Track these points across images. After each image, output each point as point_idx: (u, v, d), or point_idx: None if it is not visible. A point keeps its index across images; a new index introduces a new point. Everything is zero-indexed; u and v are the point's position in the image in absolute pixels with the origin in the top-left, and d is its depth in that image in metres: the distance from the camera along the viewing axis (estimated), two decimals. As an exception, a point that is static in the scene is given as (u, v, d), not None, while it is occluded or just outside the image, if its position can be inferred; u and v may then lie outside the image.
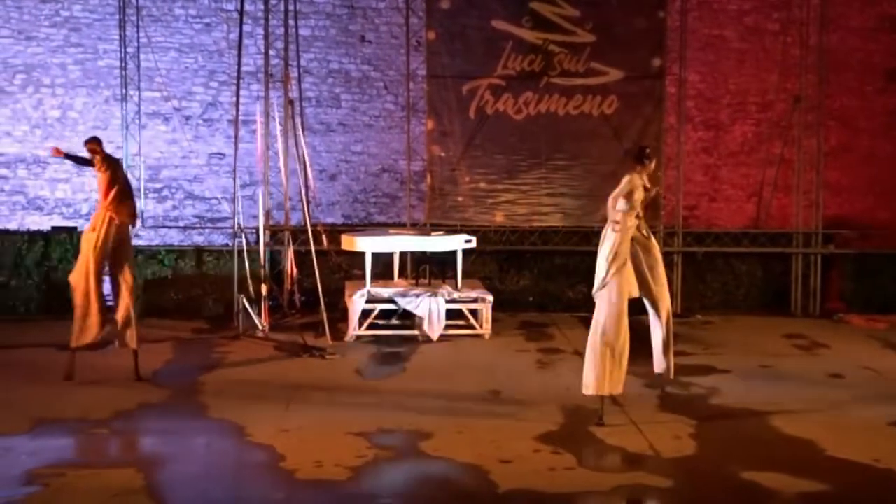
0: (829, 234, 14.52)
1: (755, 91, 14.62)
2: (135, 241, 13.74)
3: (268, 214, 12.97)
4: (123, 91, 13.76)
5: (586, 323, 13.05)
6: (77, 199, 14.13)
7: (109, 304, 10.00)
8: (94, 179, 14.07)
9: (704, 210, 14.71)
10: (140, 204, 13.80)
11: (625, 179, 8.95)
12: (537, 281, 14.28)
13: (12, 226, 13.78)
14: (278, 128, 12.86)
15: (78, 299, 9.73)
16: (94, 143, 10.08)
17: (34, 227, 13.69)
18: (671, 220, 14.26)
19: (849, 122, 14.78)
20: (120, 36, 13.71)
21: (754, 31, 14.55)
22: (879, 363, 11.09)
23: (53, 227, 13.65)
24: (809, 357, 11.59)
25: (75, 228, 13.62)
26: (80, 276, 9.73)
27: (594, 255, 13.91)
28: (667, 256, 14.11)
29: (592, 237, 13.99)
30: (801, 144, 14.42)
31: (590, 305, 13.83)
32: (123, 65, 13.72)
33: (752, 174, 14.66)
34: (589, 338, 8.75)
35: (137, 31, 13.71)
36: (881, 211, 14.81)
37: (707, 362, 10.98)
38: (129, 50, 13.71)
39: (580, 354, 11.21)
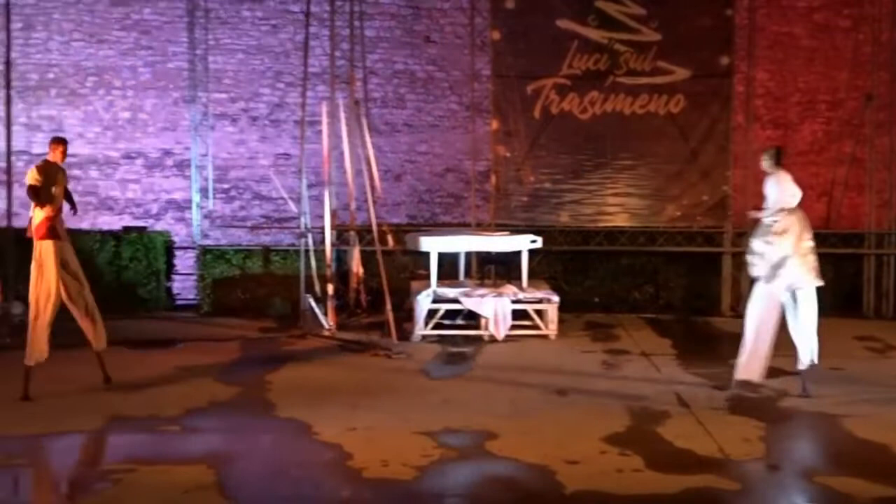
0: (902, 233, 14.26)
1: (825, 89, 14.39)
2: (204, 241, 14.02)
3: (334, 214, 13.03)
4: (192, 93, 13.94)
5: (653, 324, 13.16)
6: (147, 200, 14.35)
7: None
8: (164, 180, 14.41)
9: (773, 210, 14.48)
10: (209, 204, 14.08)
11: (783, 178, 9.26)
12: (603, 282, 14.19)
13: (84, 226, 14.00)
14: (344, 128, 12.93)
15: (52, 315, 9.39)
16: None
17: (105, 227, 13.92)
18: (740, 221, 14.06)
19: (923, 121, 14.47)
20: (189, 38, 13.92)
21: (824, 28, 14.32)
22: (955, 366, 10.87)
23: (124, 227, 13.86)
24: (882, 360, 11.39)
25: (145, 228, 13.85)
26: (56, 289, 9.36)
27: (660, 255, 14.05)
28: (736, 257, 14.05)
29: (658, 237, 14.02)
30: (872, 143, 14.17)
31: (656, 306, 13.88)
32: (192, 67, 13.92)
33: (822, 173, 14.42)
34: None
35: (206, 34, 13.90)
36: (956, 210, 14.49)
37: (776, 364, 10.79)
38: (197, 52, 13.91)
39: (646, 356, 11.24)
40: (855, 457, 7.70)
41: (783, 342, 12.06)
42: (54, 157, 9.50)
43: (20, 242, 12.13)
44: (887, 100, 14.09)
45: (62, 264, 9.26)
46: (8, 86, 12.38)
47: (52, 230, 9.19)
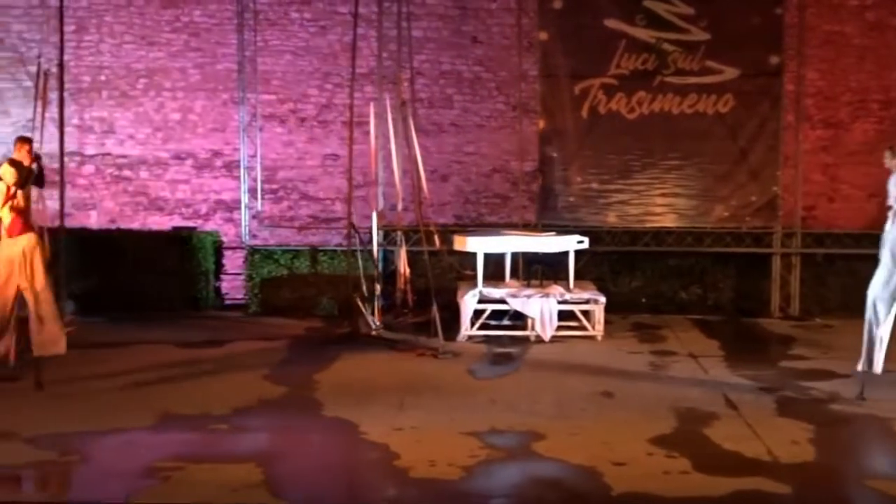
0: (956, 235, 14.04)
1: (877, 88, 14.21)
2: (252, 241, 14.13)
3: (381, 215, 13.09)
4: (241, 94, 14.06)
5: (700, 326, 13.07)
6: (196, 200, 14.47)
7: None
8: (213, 181, 14.52)
9: (823, 210, 14.35)
10: (257, 205, 14.20)
11: None
12: (650, 282, 14.12)
13: (135, 225, 14.19)
14: (391, 129, 12.97)
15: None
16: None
17: (155, 227, 14.07)
18: (789, 221, 13.97)
19: (978, 119, 14.27)
20: (238, 40, 14.01)
21: (876, 27, 14.14)
22: None
23: (174, 227, 14.00)
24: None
25: (195, 228, 13.97)
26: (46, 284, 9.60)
27: (708, 256, 13.94)
28: (785, 258, 13.95)
29: (706, 238, 13.92)
30: (925, 143, 13.98)
31: (704, 308, 13.77)
32: (241, 68, 14.02)
33: (872, 174, 14.14)
34: None
35: (254, 36, 14.00)
36: None
37: (826, 366, 10.71)
38: (246, 54, 14.00)
39: (694, 357, 11.18)
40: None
41: (834, 346, 11.96)
42: (20, 155, 9.63)
43: (72, 241, 12.36)
44: (941, 99, 13.93)
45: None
46: (61, 88, 12.50)
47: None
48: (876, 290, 9.28)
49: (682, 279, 13.99)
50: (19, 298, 9.59)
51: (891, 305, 9.20)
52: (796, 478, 7.19)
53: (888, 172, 9.41)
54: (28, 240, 9.53)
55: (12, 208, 9.46)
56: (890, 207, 9.30)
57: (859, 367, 9.36)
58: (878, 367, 9.32)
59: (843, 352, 11.46)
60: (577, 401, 9.29)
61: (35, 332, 9.53)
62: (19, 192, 9.50)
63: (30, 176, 9.64)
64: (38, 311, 9.50)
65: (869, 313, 9.35)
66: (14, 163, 9.57)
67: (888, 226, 9.32)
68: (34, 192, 10.06)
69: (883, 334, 9.21)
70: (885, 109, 14.18)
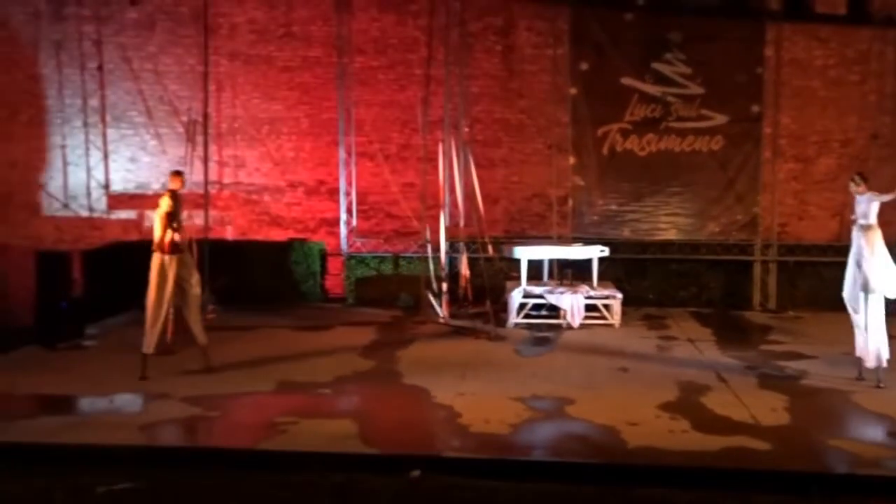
0: (900, 246, 13.72)
1: (837, 130, 13.89)
2: (349, 250, 14.20)
3: (447, 229, 13.10)
4: (340, 137, 14.15)
5: (696, 317, 12.91)
6: (306, 218, 14.53)
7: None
8: (319, 203, 14.59)
9: (794, 227, 14.05)
10: (352, 221, 14.29)
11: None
12: (656, 283, 13.94)
13: (260, 237, 14.34)
14: (455, 163, 12.98)
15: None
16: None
17: (275, 239, 14.20)
18: (767, 235, 13.74)
19: (919, 155, 13.91)
20: (338, 96, 14.11)
21: (837, 82, 13.83)
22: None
23: (290, 239, 14.13)
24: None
25: (306, 240, 14.09)
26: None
27: (703, 262, 13.73)
28: (764, 264, 13.73)
29: (701, 248, 13.76)
30: (877, 173, 13.61)
31: (699, 303, 13.59)
32: (341, 117, 14.13)
33: (834, 198, 13.91)
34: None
35: (351, 93, 14.10)
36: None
37: (798, 350, 10.53)
38: (345, 106, 14.10)
39: (692, 341, 11.06)
40: (863, 424, 7.47)
41: (804, 333, 11.73)
42: (176, 185, 9.27)
43: (213, 249, 12.57)
44: (889, 139, 13.56)
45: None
46: (205, 133, 12.76)
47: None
48: (846, 290, 9.06)
49: (682, 280, 13.80)
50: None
51: (860, 300, 8.88)
52: (774, 437, 7.11)
53: (853, 196, 9.17)
54: (182, 256, 9.11)
55: (171, 229, 9.07)
56: (854, 221, 9.08)
57: (857, 354, 8.98)
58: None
59: (811, 338, 11.30)
60: (599, 374, 9.25)
61: (195, 326, 9.22)
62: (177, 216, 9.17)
63: (179, 202, 9.29)
64: (191, 311, 9.22)
65: (849, 309, 9.09)
66: (171, 193, 9.25)
67: (854, 236, 9.06)
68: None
69: (859, 322, 8.87)
70: (843, 147, 13.86)
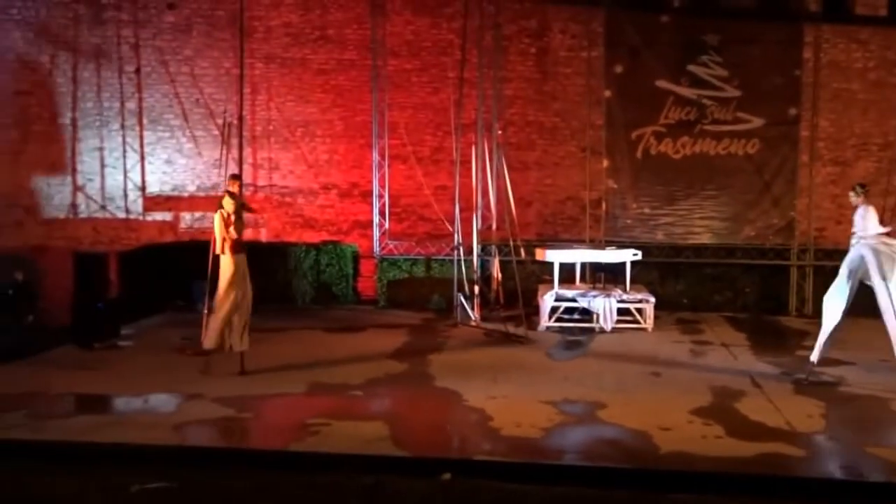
0: (942, 251, 13.46)
1: (877, 134, 13.69)
2: (381, 252, 14.25)
3: (479, 232, 13.09)
4: (374, 139, 14.21)
5: (731, 322, 12.76)
6: (339, 220, 14.62)
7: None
8: (352, 205, 14.68)
9: (832, 231, 13.85)
10: (385, 224, 14.34)
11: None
12: (690, 286, 13.82)
13: (293, 239, 14.44)
14: (488, 166, 12.97)
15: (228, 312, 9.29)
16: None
17: (309, 241, 14.29)
18: (804, 239, 13.57)
19: (961, 159, 13.65)
20: (372, 99, 14.17)
21: (877, 84, 13.62)
22: None
23: (323, 241, 14.20)
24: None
25: (339, 242, 14.15)
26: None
27: (738, 266, 13.59)
28: (800, 269, 13.55)
29: (736, 252, 13.62)
30: (917, 177, 13.46)
31: (734, 307, 13.44)
32: (374, 120, 14.19)
33: (873, 202, 13.64)
34: None
35: (384, 95, 14.16)
36: None
37: (834, 356, 10.32)
38: (378, 109, 14.16)
39: (726, 346, 10.93)
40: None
41: (841, 339, 11.54)
42: (235, 188, 9.41)
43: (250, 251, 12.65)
44: (929, 142, 13.40)
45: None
46: (240, 135, 12.83)
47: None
48: (828, 295, 8.94)
49: (717, 284, 13.67)
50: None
51: (841, 307, 8.88)
52: (809, 444, 7.00)
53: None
54: (242, 258, 9.27)
55: (234, 230, 9.17)
56: (854, 234, 8.94)
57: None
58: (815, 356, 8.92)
59: (848, 344, 11.06)
60: (631, 379, 9.18)
61: (238, 331, 9.25)
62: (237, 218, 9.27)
63: (239, 204, 9.40)
64: (243, 316, 9.24)
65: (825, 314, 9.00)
66: (231, 195, 9.33)
67: (851, 247, 8.94)
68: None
69: (829, 327, 8.92)
70: (883, 150, 13.65)
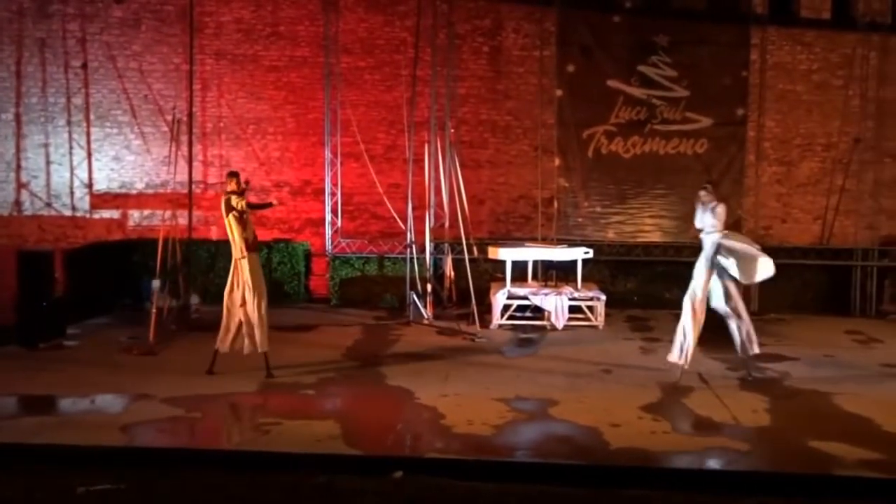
0: (883, 250, 13.86)
1: (821, 134, 14.03)
2: (334, 250, 14.18)
3: (432, 230, 13.11)
4: (326, 137, 14.14)
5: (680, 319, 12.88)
6: (291, 218, 14.51)
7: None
8: (304, 203, 14.57)
9: (777, 229, 14.17)
10: (337, 222, 14.27)
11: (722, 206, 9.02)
12: (641, 284, 14.02)
13: (244, 237, 14.26)
14: (440, 164, 13.00)
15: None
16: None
17: (260, 239, 14.08)
18: (751, 238, 13.77)
19: (901, 159, 14.08)
20: (324, 96, 14.10)
21: (821, 86, 13.96)
22: (926, 356, 10.51)
23: (274, 239, 14.10)
24: (866, 349, 11.05)
25: (291, 240, 14.05)
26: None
27: (688, 264, 13.63)
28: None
29: (685, 250, 13.75)
30: (860, 177, 13.82)
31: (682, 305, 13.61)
32: (327, 117, 14.12)
33: (817, 201, 14.06)
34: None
35: (337, 93, 14.09)
36: (929, 231, 14.11)
37: (780, 352, 10.60)
38: (331, 106, 14.09)
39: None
40: (843, 426, 7.52)
41: (786, 336, 11.81)
42: (234, 186, 8.98)
43: (198, 249, 12.50)
44: (872, 143, 13.76)
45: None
46: (190, 132, 12.70)
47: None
48: (702, 297, 9.15)
49: (666, 282, 13.82)
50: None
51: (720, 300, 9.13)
52: (755, 438, 7.15)
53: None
54: (255, 257, 9.15)
55: (244, 229, 8.97)
56: (701, 230, 9.12)
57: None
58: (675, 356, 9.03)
59: (793, 340, 11.39)
60: (583, 376, 9.28)
61: (256, 331, 8.99)
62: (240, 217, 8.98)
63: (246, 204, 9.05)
64: (258, 315, 9.01)
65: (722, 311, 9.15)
66: (235, 193, 8.95)
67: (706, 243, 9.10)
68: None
69: (734, 326, 9.13)
70: (826, 150, 14.00)
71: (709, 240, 9.06)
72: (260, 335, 8.97)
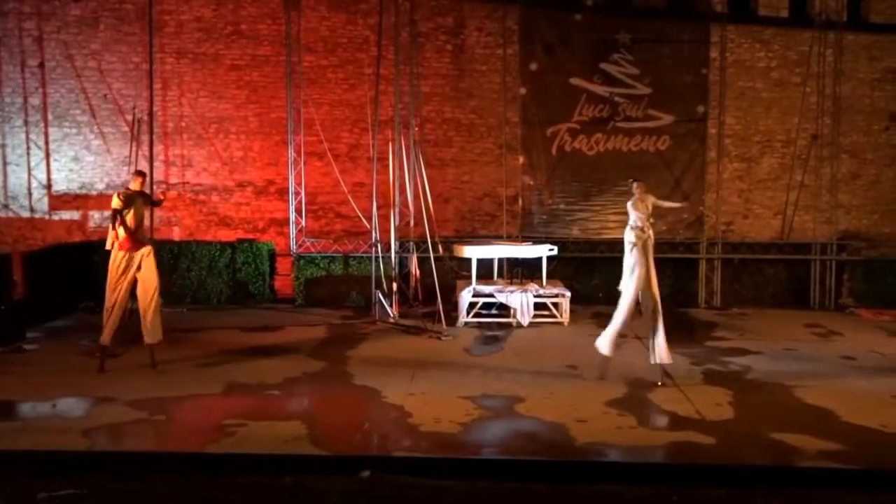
0: (842, 244, 14.09)
1: (780, 130, 14.23)
2: (298, 250, 14.10)
3: (397, 229, 13.10)
4: (290, 136, 14.05)
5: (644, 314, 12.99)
6: (255, 218, 14.43)
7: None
8: (268, 203, 14.49)
9: (739, 225, 14.35)
10: (301, 221, 14.19)
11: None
12: (605, 281, 13.94)
13: (208, 237, 14.16)
14: (405, 163, 12.98)
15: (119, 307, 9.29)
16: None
17: (224, 239, 14.05)
18: (712, 233, 14.00)
19: (858, 155, 14.28)
20: (287, 95, 14.01)
21: (780, 83, 14.16)
22: (884, 347, 10.70)
23: (238, 239, 13.99)
24: (826, 342, 11.23)
25: (255, 240, 13.94)
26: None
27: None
28: (709, 262, 13.98)
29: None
30: (818, 173, 14.03)
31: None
32: (290, 116, 14.03)
33: (777, 197, 14.26)
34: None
35: (300, 91, 14.01)
36: (885, 225, 14.34)
37: (742, 345, 10.74)
38: (294, 105, 14.00)
39: (639, 339, 11.07)
40: (804, 418, 7.64)
41: (748, 330, 11.96)
42: (135, 185, 9.38)
43: (161, 249, 12.31)
44: (830, 139, 13.96)
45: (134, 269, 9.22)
46: (151, 132, 12.56)
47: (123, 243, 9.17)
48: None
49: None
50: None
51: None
52: (719, 431, 7.23)
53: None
54: (142, 252, 9.21)
55: (124, 227, 9.08)
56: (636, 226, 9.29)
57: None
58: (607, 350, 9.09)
59: (754, 334, 11.53)
60: (548, 372, 9.31)
61: (145, 323, 9.22)
62: (129, 214, 9.11)
63: (139, 201, 9.28)
64: (149, 307, 9.18)
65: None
66: (127, 191, 9.27)
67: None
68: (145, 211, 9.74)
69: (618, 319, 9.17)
70: (785, 147, 14.20)
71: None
72: (155, 324, 9.22)
